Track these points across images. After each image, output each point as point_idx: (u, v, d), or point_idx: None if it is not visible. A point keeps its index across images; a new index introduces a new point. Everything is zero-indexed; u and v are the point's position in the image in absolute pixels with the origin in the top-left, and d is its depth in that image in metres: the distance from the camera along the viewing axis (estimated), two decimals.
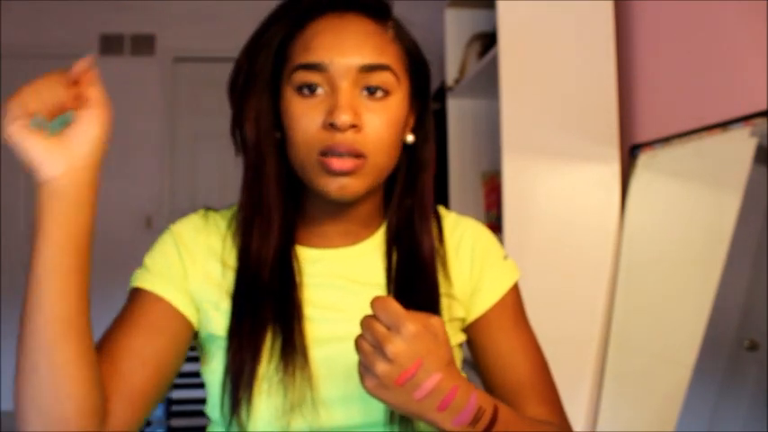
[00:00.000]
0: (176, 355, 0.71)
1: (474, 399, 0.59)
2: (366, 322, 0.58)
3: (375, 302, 0.58)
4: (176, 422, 1.45)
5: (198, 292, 0.73)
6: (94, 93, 0.59)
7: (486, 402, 0.61)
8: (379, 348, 0.57)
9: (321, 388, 0.70)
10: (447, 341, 0.59)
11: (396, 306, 0.57)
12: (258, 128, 0.72)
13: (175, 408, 1.43)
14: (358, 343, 0.59)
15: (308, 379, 0.69)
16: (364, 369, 0.58)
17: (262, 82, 0.71)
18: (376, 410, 0.70)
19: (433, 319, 0.59)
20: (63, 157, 0.58)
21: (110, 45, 3.71)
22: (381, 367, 0.56)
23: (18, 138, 0.57)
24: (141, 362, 0.67)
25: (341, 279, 0.75)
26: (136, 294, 0.72)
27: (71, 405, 0.59)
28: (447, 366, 0.58)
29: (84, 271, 0.63)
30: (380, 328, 0.57)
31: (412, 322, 0.56)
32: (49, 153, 0.58)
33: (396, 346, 0.56)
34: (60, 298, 0.60)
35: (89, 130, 0.59)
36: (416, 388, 0.57)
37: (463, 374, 0.79)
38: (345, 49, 0.68)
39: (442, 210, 0.83)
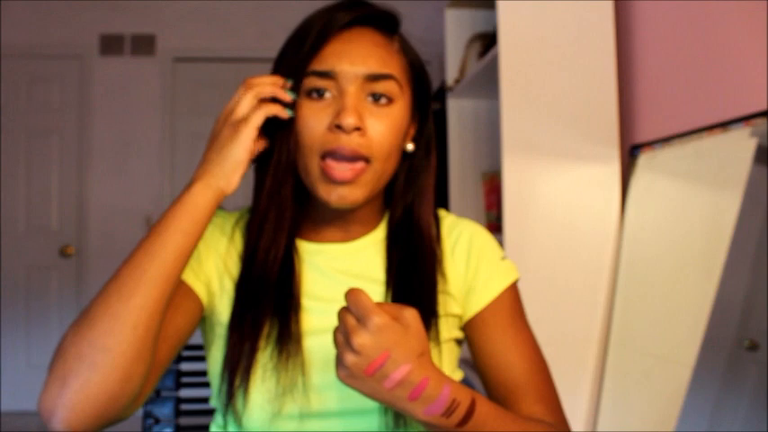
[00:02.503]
0: (190, 331, 0.75)
1: (447, 391, 0.60)
2: (340, 314, 0.61)
3: (348, 294, 0.60)
4: (184, 420, 1.46)
5: (211, 268, 0.77)
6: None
7: (462, 395, 0.62)
8: (347, 340, 0.59)
9: (312, 374, 0.73)
10: (420, 333, 0.61)
11: (364, 298, 0.59)
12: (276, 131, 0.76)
13: (184, 406, 1.43)
14: (334, 334, 0.61)
15: (300, 365, 0.72)
16: (337, 359, 0.60)
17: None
18: (367, 399, 0.71)
19: (407, 311, 0.61)
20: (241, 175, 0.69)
21: (110, 45, 3.70)
22: (349, 358, 0.59)
23: (248, 144, 0.67)
24: (163, 338, 0.70)
25: (338, 273, 0.78)
26: None
27: (134, 385, 0.62)
28: (418, 358, 0.60)
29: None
30: (350, 320, 0.59)
31: (378, 315, 0.58)
32: (240, 173, 0.69)
33: (361, 338, 0.58)
34: (172, 283, 0.65)
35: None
36: (385, 378, 0.59)
37: (460, 372, 0.79)
38: (353, 58, 0.72)
39: (441, 212, 0.85)
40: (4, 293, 3.56)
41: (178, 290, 0.73)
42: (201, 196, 0.66)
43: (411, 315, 0.61)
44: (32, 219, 3.65)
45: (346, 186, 0.71)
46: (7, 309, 3.56)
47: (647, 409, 1.39)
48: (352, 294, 0.60)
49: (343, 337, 0.60)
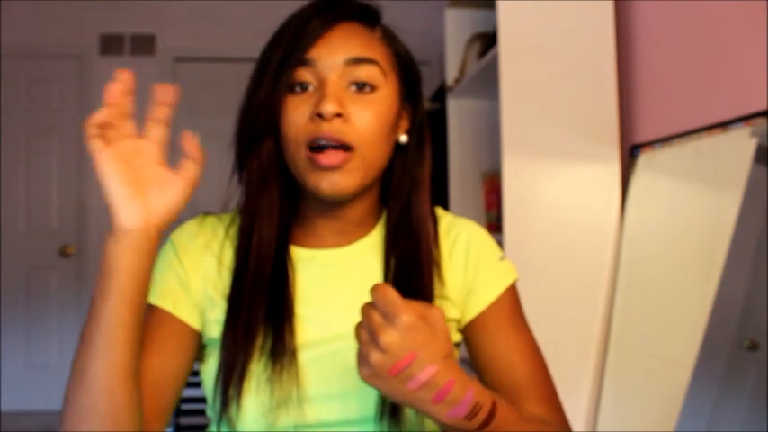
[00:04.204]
0: (190, 364, 0.75)
1: (471, 394, 0.59)
2: (364, 310, 0.58)
3: (374, 290, 0.58)
4: (185, 420, 1.46)
5: (200, 293, 0.75)
6: (194, 167, 0.67)
7: (484, 398, 0.61)
8: (373, 337, 0.57)
9: (307, 386, 0.71)
10: (446, 333, 0.59)
11: (393, 295, 0.57)
12: (260, 131, 0.74)
13: (184, 406, 1.43)
14: (356, 330, 0.59)
15: (295, 377, 0.70)
16: (360, 357, 0.58)
17: (264, 98, 0.73)
18: (363, 408, 0.71)
19: (433, 311, 0.59)
20: (140, 211, 0.62)
21: (110, 45, 3.70)
22: (375, 357, 0.56)
23: (107, 171, 0.63)
24: (166, 379, 0.71)
25: (334, 279, 0.76)
26: (150, 311, 0.74)
27: None
28: (444, 359, 0.58)
29: (141, 320, 0.65)
30: (376, 317, 0.57)
31: (407, 313, 0.56)
32: (129, 202, 0.62)
33: (389, 337, 0.56)
34: (124, 348, 0.62)
35: (174, 195, 0.65)
36: (410, 379, 0.57)
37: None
38: (333, 44, 0.71)
39: (439, 211, 0.84)
40: (3, 293, 3.56)
41: (171, 327, 0.73)
42: (114, 254, 0.62)
43: (437, 315, 0.59)
44: (32, 219, 3.65)
45: (335, 173, 0.69)
46: (7, 309, 3.55)
47: (647, 409, 1.39)
48: (378, 290, 0.57)
49: (368, 334, 0.57)
